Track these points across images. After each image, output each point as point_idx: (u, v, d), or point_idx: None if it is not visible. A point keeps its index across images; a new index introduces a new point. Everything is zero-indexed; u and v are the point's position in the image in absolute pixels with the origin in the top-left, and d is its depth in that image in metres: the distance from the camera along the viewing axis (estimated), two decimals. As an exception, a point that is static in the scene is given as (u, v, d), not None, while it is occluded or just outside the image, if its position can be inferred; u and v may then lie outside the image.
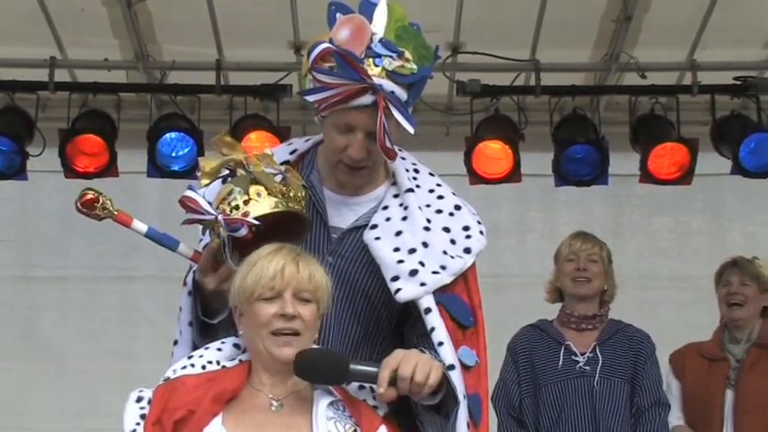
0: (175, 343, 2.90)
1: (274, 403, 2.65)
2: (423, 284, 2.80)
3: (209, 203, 2.76)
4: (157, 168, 5.99)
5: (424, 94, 6.54)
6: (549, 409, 4.70)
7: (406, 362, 2.63)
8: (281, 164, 2.88)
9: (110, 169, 5.97)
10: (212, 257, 2.79)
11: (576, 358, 4.74)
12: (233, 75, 6.19)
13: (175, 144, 6.00)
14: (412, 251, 2.81)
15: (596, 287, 4.83)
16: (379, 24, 2.79)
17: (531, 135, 6.11)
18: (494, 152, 6.03)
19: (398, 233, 2.85)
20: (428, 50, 2.84)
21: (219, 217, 2.72)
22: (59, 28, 5.89)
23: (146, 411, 2.63)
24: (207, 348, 2.76)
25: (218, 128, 5.95)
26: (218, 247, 2.76)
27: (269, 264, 2.65)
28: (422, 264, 2.81)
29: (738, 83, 6.06)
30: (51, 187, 6.52)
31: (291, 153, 3.03)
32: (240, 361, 2.74)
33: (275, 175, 2.78)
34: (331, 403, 2.66)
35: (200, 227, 2.87)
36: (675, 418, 4.95)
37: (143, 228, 2.86)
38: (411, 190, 2.92)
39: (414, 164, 3.02)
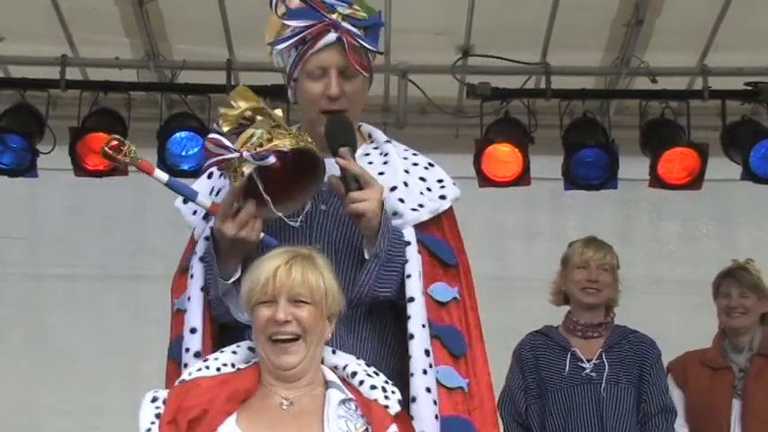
0: (178, 312, 2.95)
1: (285, 402, 2.68)
2: (401, 216, 2.95)
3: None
4: (167, 167, 5.98)
5: (434, 96, 6.58)
6: (555, 415, 4.70)
7: (368, 194, 2.80)
8: None
9: (119, 168, 5.97)
10: (233, 200, 2.82)
11: (583, 365, 4.74)
12: (243, 75, 6.19)
13: (185, 143, 6.01)
14: (393, 188, 2.96)
15: (605, 297, 4.83)
16: None
17: (540, 138, 6.11)
18: (503, 155, 6.02)
19: (380, 173, 2.97)
20: (372, 8, 3.03)
21: (245, 153, 2.76)
22: (71, 26, 5.91)
23: (161, 411, 2.67)
24: (222, 352, 2.80)
25: (228, 127, 5.97)
26: (240, 187, 2.79)
27: (262, 268, 2.71)
28: (401, 201, 2.96)
29: (749, 88, 6.05)
30: (61, 185, 6.53)
31: None
32: (254, 363, 2.77)
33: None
34: (343, 402, 2.68)
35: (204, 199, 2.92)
36: (679, 425, 4.93)
37: (164, 177, 2.92)
38: (389, 141, 3.10)
39: (386, 137, 3.17)
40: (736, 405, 4.91)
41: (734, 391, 4.93)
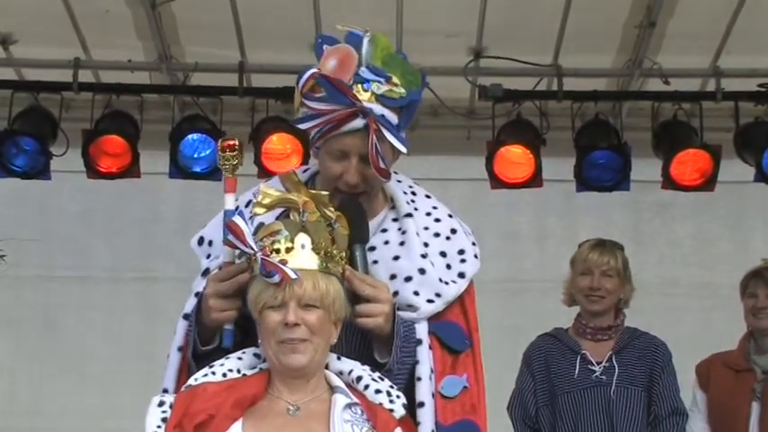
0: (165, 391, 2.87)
1: (291, 407, 2.69)
2: (415, 310, 2.85)
3: (254, 233, 2.76)
4: (179, 169, 6.01)
5: (446, 98, 6.59)
6: (565, 418, 4.68)
7: (375, 310, 2.74)
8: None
9: (132, 170, 6.00)
10: (235, 274, 2.78)
11: (593, 368, 4.72)
12: (255, 77, 6.21)
13: (197, 145, 6.02)
14: (408, 279, 2.86)
15: (609, 303, 4.79)
16: (366, 53, 2.84)
17: (552, 140, 6.10)
18: (515, 157, 6.02)
19: (396, 258, 2.88)
20: (415, 76, 2.88)
21: (259, 255, 2.72)
22: (84, 29, 5.93)
23: (167, 415, 2.69)
24: (227, 358, 2.81)
25: (239, 129, 5.98)
26: (249, 279, 2.75)
27: None
28: (416, 293, 2.86)
29: (762, 89, 6.03)
30: (74, 187, 6.56)
31: None
32: (261, 369, 2.78)
33: (327, 223, 2.77)
34: (348, 406, 2.70)
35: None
36: (700, 429, 4.91)
37: (230, 204, 2.86)
38: (410, 215, 2.95)
39: (410, 186, 3.06)
40: (755, 408, 4.85)
41: (753, 393, 4.89)
